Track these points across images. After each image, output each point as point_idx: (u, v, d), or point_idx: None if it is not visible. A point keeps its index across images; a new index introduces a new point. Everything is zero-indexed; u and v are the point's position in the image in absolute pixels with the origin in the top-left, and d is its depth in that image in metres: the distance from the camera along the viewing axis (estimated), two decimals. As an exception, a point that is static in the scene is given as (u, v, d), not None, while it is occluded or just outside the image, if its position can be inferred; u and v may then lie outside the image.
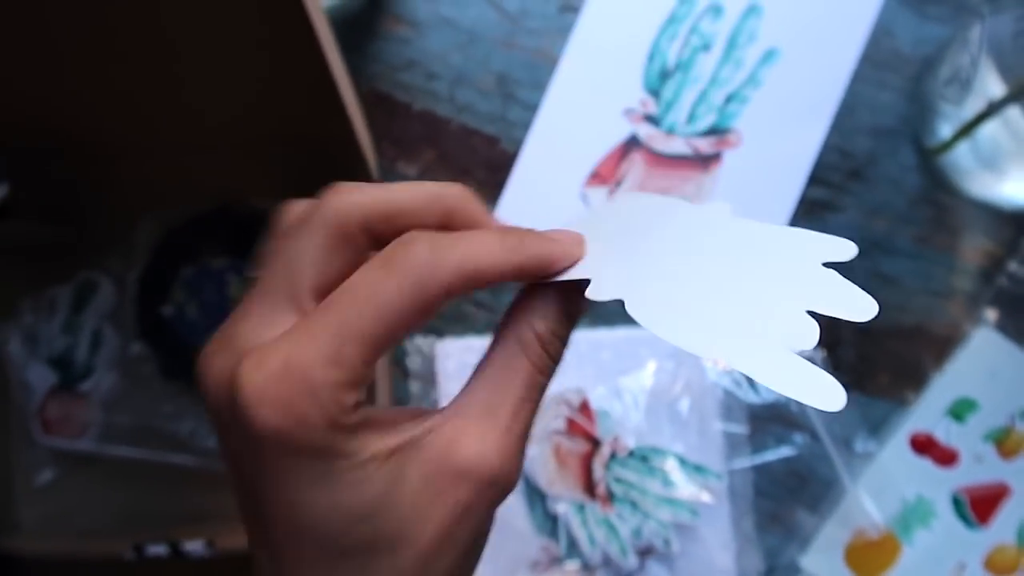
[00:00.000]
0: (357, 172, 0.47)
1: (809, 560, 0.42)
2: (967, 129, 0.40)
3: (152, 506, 0.48)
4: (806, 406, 0.42)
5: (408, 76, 0.50)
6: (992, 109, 0.38)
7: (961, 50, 0.39)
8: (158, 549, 0.43)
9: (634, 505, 0.43)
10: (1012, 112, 0.38)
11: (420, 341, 0.47)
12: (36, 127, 0.46)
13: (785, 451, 0.42)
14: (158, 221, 0.49)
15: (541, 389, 0.21)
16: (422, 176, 0.49)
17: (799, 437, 0.42)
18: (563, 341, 0.21)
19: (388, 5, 0.51)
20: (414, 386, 0.47)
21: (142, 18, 0.39)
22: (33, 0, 0.37)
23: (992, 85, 0.37)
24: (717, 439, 0.44)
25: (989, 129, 0.40)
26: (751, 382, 0.43)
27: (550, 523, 0.44)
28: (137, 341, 0.48)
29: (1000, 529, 0.41)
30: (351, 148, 0.47)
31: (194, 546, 0.43)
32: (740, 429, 0.43)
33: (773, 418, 0.43)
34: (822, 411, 0.41)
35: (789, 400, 0.42)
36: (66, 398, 0.49)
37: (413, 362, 0.47)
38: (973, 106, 0.39)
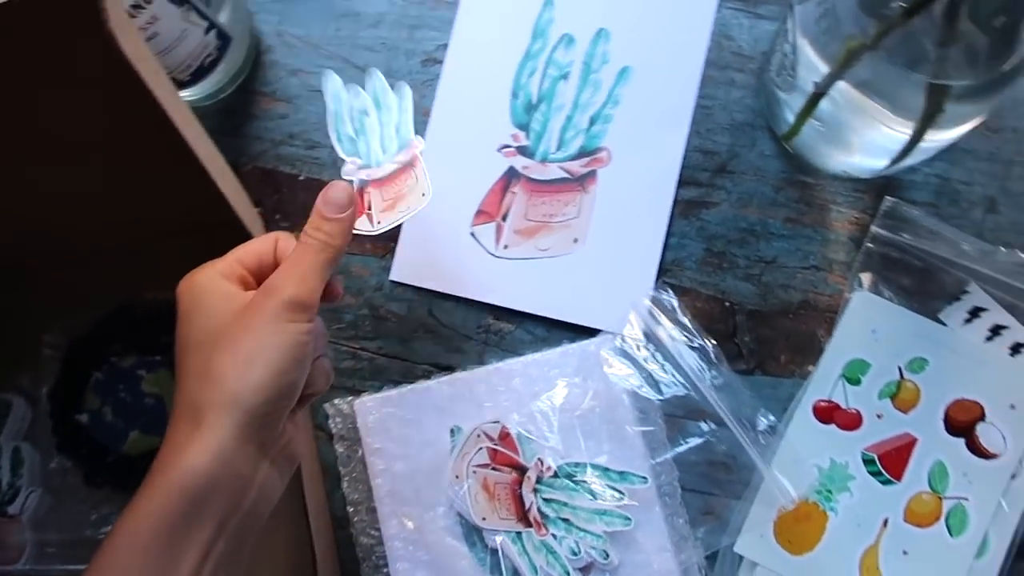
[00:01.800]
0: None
1: (742, 544, 0.43)
2: (806, 112, 0.43)
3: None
4: (706, 394, 0.43)
5: (290, 149, 0.52)
6: (819, 89, 0.41)
7: (783, 40, 0.42)
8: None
9: (568, 523, 0.44)
10: (841, 87, 0.40)
11: (339, 402, 0.48)
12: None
13: (696, 441, 0.43)
14: (63, 332, 0.49)
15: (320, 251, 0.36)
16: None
17: (706, 425, 0.44)
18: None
19: (260, 86, 0.52)
20: (339, 447, 0.48)
21: (22, 140, 0.40)
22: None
23: (814, 67, 0.40)
24: (636, 442, 0.45)
25: (826, 107, 0.42)
26: (652, 381, 0.44)
27: (492, 557, 0.45)
28: (57, 454, 0.48)
29: (913, 479, 0.42)
30: (238, 231, 0.48)
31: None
32: (655, 428, 0.44)
33: (682, 411, 0.45)
34: (724, 397, 0.43)
35: (690, 391, 0.44)
36: (-6, 523, 0.48)
37: (335, 424, 0.48)
38: (804, 89, 0.42)
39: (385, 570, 0.46)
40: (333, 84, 0.45)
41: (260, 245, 0.37)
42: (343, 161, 0.45)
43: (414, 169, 0.44)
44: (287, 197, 0.51)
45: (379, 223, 0.44)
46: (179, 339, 0.33)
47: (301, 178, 0.51)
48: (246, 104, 0.52)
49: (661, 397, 0.44)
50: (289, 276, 0.34)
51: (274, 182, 0.51)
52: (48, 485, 0.48)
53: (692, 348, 0.44)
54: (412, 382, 0.48)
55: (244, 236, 0.47)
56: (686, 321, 0.45)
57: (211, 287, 0.34)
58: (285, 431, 0.34)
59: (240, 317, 0.33)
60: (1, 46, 0.33)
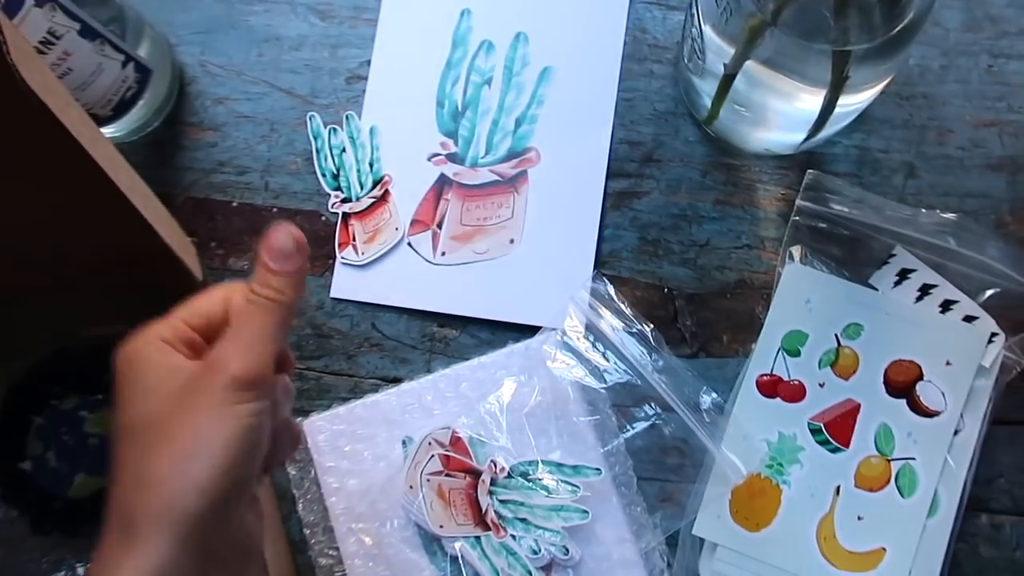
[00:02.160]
0: (182, 281, 0.48)
1: (700, 527, 0.43)
2: (720, 95, 0.44)
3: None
4: (650, 379, 0.44)
5: (221, 176, 0.51)
6: (729, 71, 0.42)
7: (690, 26, 0.43)
8: None
9: (525, 523, 0.44)
10: (750, 66, 0.41)
11: (288, 424, 0.47)
12: None
13: (644, 425, 0.44)
14: (-1, 379, 0.48)
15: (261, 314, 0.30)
16: (253, 266, 0.50)
17: (651, 409, 0.44)
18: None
19: (186, 117, 0.52)
20: (292, 469, 0.47)
21: None
22: None
23: (722, 50, 0.41)
24: (587, 435, 0.45)
25: (740, 88, 0.43)
26: (597, 371, 0.45)
27: (452, 565, 0.44)
28: (2, 504, 0.47)
29: (860, 445, 0.43)
30: (172, 261, 0.48)
31: None
32: (604, 418, 0.45)
33: (628, 398, 0.45)
34: (667, 380, 0.43)
35: (633, 377, 0.44)
36: (-60, 583, 0.47)
37: (286, 446, 0.47)
38: (715, 73, 0.43)
39: (346, 589, 0.45)
40: (315, 124, 0.50)
41: (207, 301, 0.31)
42: (327, 195, 0.50)
43: (387, 204, 0.49)
44: (222, 224, 0.51)
45: (363, 254, 0.49)
46: (115, 425, 0.29)
47: (234, 204, 0.51)
48: (174, 136, 0.52)
49: (606, 386, 0.44)
50: (234, 347, 0.29)
51: (208, 210, 0.51)
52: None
53: (632, 334, 0.44)
54: (360, 397, 0.48)
55: (178, 267, 0.47)
56: (624, 309, 0.45)
57: (151, 360, 0.29)
58: (242, 523, 0.29)
59: (179, 401, 0.28)
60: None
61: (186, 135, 0.52)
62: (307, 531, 0.46)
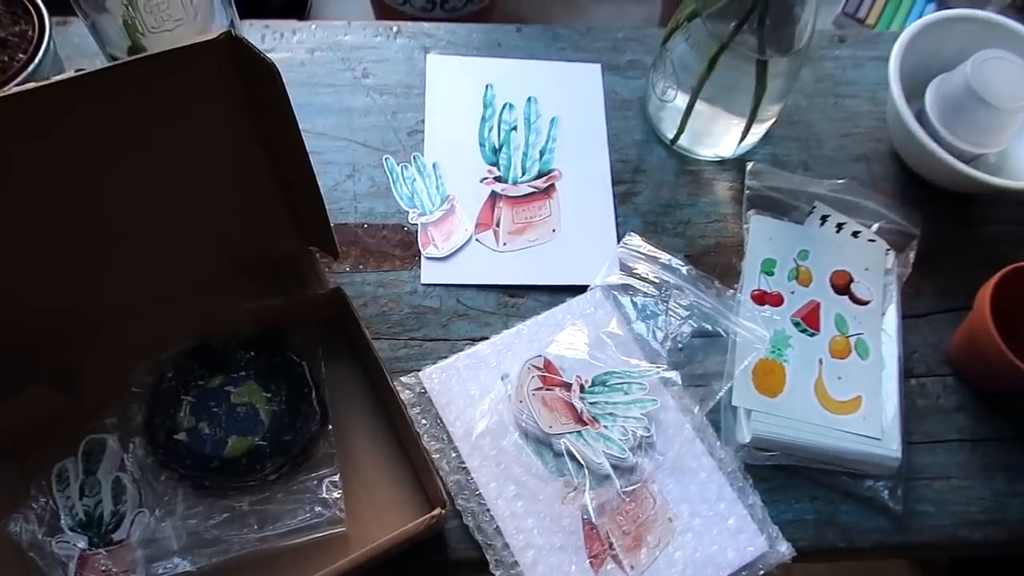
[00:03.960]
0: (311, 274, 0.60)
1: (737, 398, 0.58)
2: (681, 125, 0.66)
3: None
4: (681, 288, 0.61)
5: (314, 208, 0.65)
6: (688, 107, 0.64)
7: (661, 72, 0.66)
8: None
9: (612, 416, 0.57)
10: (699, 107, 0.64)
11: (405, 379, 0.58)
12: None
13: (684, 328, 0.60)
14: (146, 371, 0.56)
15: None
16: (355, 268, 0.63)
17: (684, 310, 0.60)
18: None
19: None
20: (413, 413, 0.57)
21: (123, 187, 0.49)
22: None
23: (683, 92, 0.63)
24: (640, 345, 0.60)
25: (695, 117, 0.65)
26: (640, 296, 0.61)
27: (560, 462, 0.56)
28: (160, 471, 0.53)
29: (827, 329, 0.61)
30: (297, 267, 0.60)
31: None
32: (650, 332, 0.60)
33: (667, 308, 0.61)
34: (693, 286, 0.60)
35: (668, 292, 0.61)
36: (103, 554, 0.51)
37: (406, 396, 0.58)
38: (679, 107, 0.65)
39: (478, 493, 0.54)
40: (390, 163, 0.67)
41: None
42: (407, 212, 0.66)
43: (455, 214, 0.65)
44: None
45: (442, 249, 0.64)
46: None
47: (332, 225, 0.64)
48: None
49: (649, 300, 0.61)
50: None
51: (310, 230, 0.64)
52: (151, 506, 0.52)
53: (662, 264, 0.62)
54: (459, 352, 0.60)
55: (305, 273, 0.59)
56: (653, 250, 0.63)
57: None
58: None
59: None
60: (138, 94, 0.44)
61: (283, 179, 0.66)
62: (435, 456, 0.56)
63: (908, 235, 0.66)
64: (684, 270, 0.62)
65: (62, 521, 0.51)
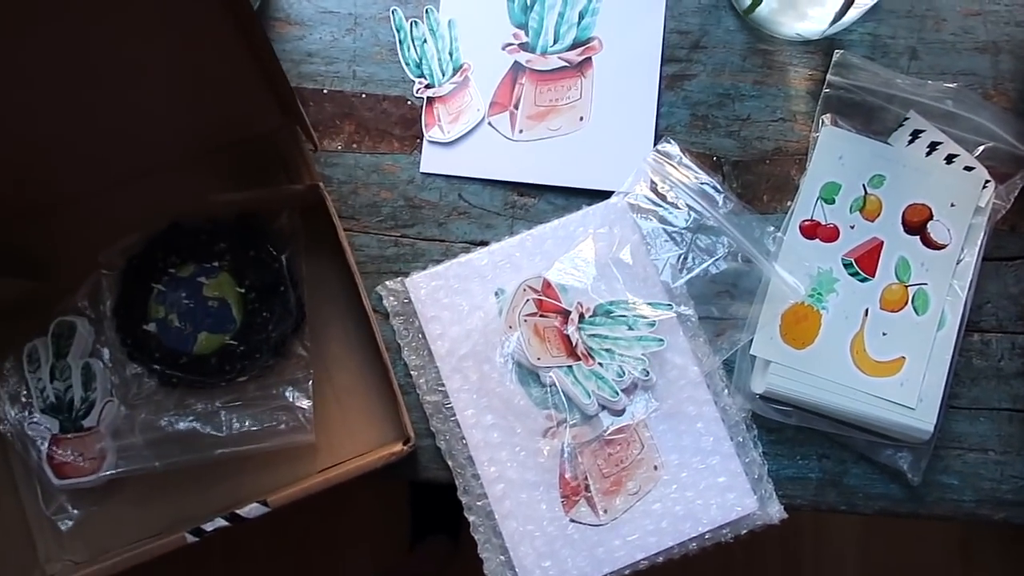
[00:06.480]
0: (294, 157, 0.53)
1: (757, 347, 0.51)
2: (765, -16, 0.52)
3: (187, 507, 0.51)
4: (715, 219, 0.51)
5: (310, 66, 0.56)
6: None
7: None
8: (217, 523, 0.46)
9: (610, 352, 0.51)
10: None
11: (391, 284, 0.53)
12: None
13: (708, 261, 0.51)
14: (117, 254, 0.52)
15: None
16: (348, 147, 0.55)
17: (712, 246, 0.52)
18: None
19: (273, 12, 0.57)
20: (396, 322, 0.53)
21: (81, 63, 0.42)
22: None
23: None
24: (657, 277, 0.52)
25: (780, -20, 0.51)
26: (668, 219, 0.52)
27: (546, 395, 0.51)
28: (129, 364, 0.51)
29: (884, 274, 0.52)
30: (291, 136, 0.52)
31: (250, 510, 0.46)
32: (673, 259, 0.52)
33: (694, 238, 0.52)
34: (732, 218, 0.50)
35: (700, 218, 0.52)
36: (73, 439, 0.51)
37: (389, 303, 0.53)
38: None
39: (453, 418, 0.51)
40: (398, 17, 0.55)
41: None
42: (412, 82, 0.55)
43: (468, 88, 0.54)
44: (314, 110, 0.56)
45: (448, 133, 0.54)
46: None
47: (325, 91, 0.56)
48: (264, 29, 0.56)
49: (676, 230, 0.52)
50: None
51: (301, 98, 0.55)
52: (122, 395, 0.51)
53: (696, 188, 0.52)
54: (453, 258, 0.54)
55: (298, 141, 0.52)
56: (690, 163, 0.53)
57: None
58: None
59: None
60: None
61: (273, 29, 0.56)
62: (414, 373, 0.52)
63: (1019, 160, 0.53)
64: (720, 199, 0.52)
65: (34, 402, 0.51)
